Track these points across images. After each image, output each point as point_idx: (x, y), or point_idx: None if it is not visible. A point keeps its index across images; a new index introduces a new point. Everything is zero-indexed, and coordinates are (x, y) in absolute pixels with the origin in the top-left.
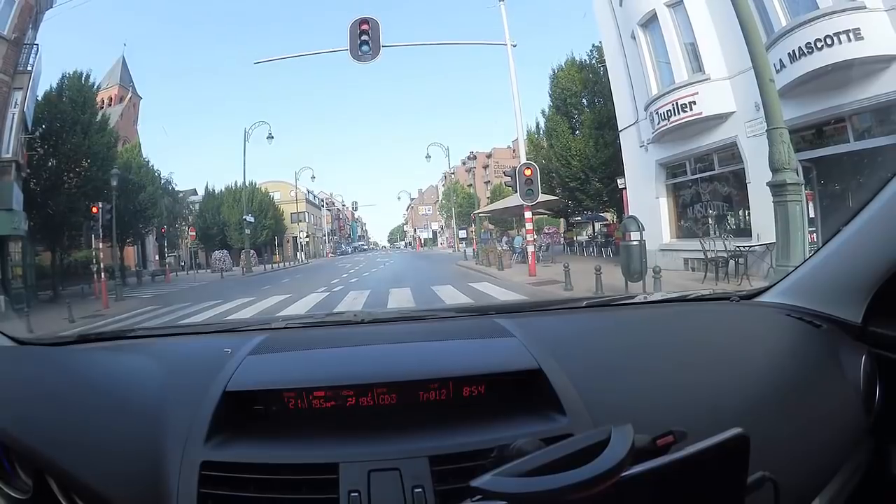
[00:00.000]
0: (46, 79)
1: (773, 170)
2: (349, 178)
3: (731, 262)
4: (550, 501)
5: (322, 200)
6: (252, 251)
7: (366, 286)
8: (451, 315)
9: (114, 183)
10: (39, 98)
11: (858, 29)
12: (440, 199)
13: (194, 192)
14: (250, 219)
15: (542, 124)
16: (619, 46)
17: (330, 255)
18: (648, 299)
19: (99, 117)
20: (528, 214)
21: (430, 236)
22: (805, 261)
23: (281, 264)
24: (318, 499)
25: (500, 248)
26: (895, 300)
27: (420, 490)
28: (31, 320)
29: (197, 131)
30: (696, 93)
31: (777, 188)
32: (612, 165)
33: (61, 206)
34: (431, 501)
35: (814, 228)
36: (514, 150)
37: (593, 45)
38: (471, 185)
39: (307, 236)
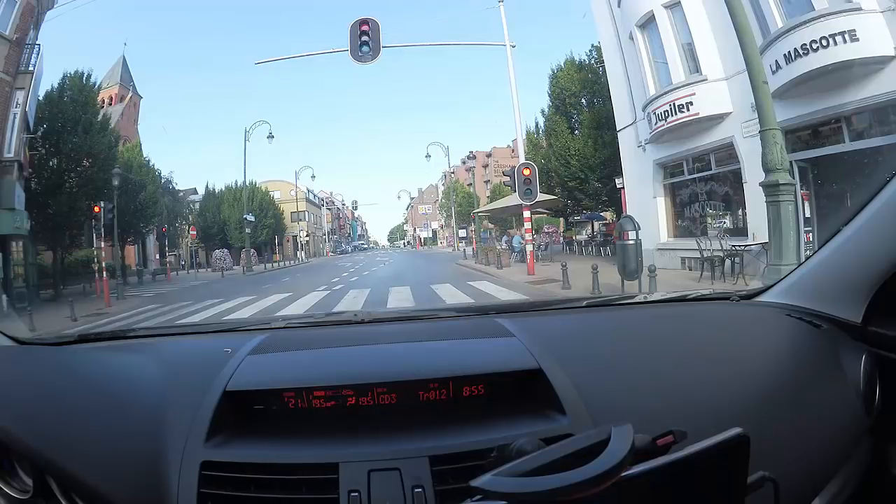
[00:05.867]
0: (48, 78)
1: (766, 170)
2: (349, 178)
3: (728, 262)
4: (550, 501)
5: (322, 199)
6: (252, 250)
7: (366, 285)
8: (451, 315)
9: (115, 182)
10: (41, 98)
11: (854, 30)
12: (440, 198)
13: (195, 192)
14: (251, 218)
15: (541, 124)
16: (618, 47)
17: (330, 254)
18: (648, 299)
19: (100, 117)
20: (526, 214)
21: (430, 235)
22: (805, 260)
23: (281, 263)
24: (318, 499)
25: (499, 248)
26: (895, 300)
27: (420, 490)
28: (34, 319)
29: (197, 131)
30: (694, 93)
31: (770, 188)
32: (611, 165)
33: (63, 205)
34: (431, 501)
35: (810, 228)
36: (513, 150)
37: (592, 46)
38: (470, 184)
39: (307, 235)
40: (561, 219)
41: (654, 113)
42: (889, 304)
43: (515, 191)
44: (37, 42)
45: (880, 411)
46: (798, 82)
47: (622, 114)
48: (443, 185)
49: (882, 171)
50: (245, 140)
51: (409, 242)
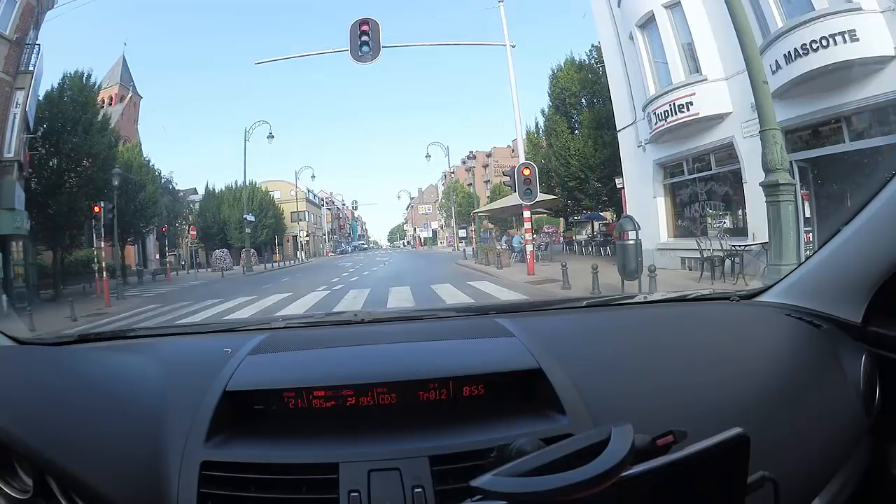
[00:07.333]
0: (48, 78)
1: (766, 170)
2: (349, 178)
3: (728, 262)
4: (550, 501)
5: (322, 199)
6: (252, 250)
7: (366, 285)
8: (451, 315)
9: (115, 182)
10: (41, 98)
11: (854, 30)
12: (440, 198)
13: (195, 192)
14: (251, 218)
15: (541, 124)
16: (618, 47)
17: (330, 254)
18: (648, 299)
19: (100, 117)
20: (526, 214)
21: (430, 235)
22: (805, 260)
23: (281, 263)
24: (318, 499)
25: (499, 248)
26: (895, 300)
27: (420, 490)
28: (34, 319)
29: (197, 131)
30: (694, 93)
31: (770, 188)
32: (611, 165)
33: (62, 205)
34: (431, 501)
35: (810, 228)
36: (513, 150)
37: (592, 46)
38: (470, 184)
39: (307, 235)
40: (561, 219)
41: (654, 113)
42: (889, 304)
43: (515, 191)
44: (37, 42)
45: (880, 411)
46: (798, 82)
47: (622, 114)
48: (443, 185)
49: (882, 171)
50: (245, 140)
51: (409, 242)
